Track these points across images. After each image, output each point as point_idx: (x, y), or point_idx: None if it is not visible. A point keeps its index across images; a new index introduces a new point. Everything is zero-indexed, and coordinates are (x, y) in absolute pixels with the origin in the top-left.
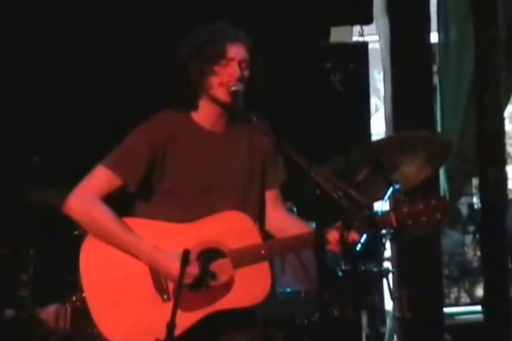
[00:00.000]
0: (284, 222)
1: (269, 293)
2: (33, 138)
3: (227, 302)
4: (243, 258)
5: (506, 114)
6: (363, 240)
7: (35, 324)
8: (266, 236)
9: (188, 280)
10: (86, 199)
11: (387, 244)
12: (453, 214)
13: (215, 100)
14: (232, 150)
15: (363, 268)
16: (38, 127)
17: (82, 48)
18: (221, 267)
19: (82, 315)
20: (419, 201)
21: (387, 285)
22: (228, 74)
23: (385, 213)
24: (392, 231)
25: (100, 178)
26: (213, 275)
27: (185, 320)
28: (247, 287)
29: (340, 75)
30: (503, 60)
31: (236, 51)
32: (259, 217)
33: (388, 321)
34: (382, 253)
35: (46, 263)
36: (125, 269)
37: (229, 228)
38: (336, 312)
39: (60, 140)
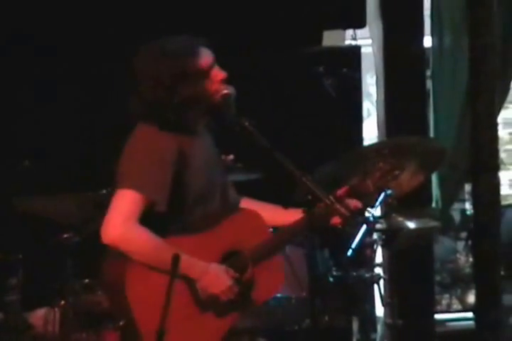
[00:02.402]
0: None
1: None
2: (21, 144)
3: (256, 298)
4: (260, 255)
5: (500, 119)
6: (354, 246)
7: (24, 328)
8: None
9: (230, 296)
10: (126, 226)
11: (379, 250)
12: (444, 220)
13: (211, 107)
14: (213, 150)
15: (354, 274)
16: (26, 132)
17: (72, 51)
18: (243, 267)
19: (71, 319)
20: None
21: (378, 291)
22: (217, 79)
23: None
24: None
25: (132, 203)
26: (248, 286)
27: (222, 325)
28: (267, 281)
29: (333, 79)
30: (498, 66)
31: (205, 59)
32: None
33: (379, 328)
34: (374, 259)
35: (35, 268)
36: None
37: (244, 227)
38: (326, 318)
39: (50, 145)
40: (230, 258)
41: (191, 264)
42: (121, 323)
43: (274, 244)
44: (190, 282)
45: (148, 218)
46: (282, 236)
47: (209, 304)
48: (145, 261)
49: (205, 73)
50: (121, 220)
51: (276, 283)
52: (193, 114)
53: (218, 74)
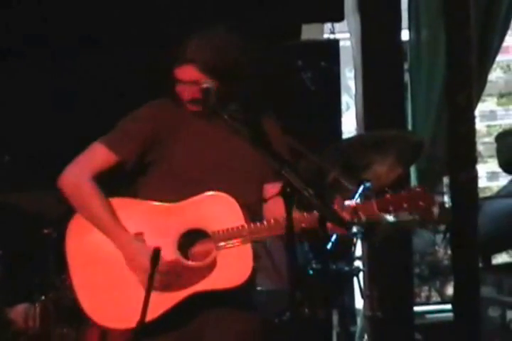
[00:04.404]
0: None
1: (251, 275)
2: (1, 139)
3: (209, 283)
4: (226, 239)
5: (477, 113)
6: (334, 239)
7: (4, 324)
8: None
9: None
10: (80, 175)
11: (358, 243)
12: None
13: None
14: (227, 138)
15: (334, 267)
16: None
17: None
18: (204, 248)
19: (52, 315)
20: (402, 189)
21: (357, 284)
22: (181, 93)
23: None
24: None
25: (96, 155)
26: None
27: (166, 301)
28: (229, 268)
29: (311, 73)
30: (474, 59)
31: (183, 73)
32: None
33: (359, 320)
34: (353, 252)
35: (15, 263)
36: (108, 250)
37: (214, 209)
38: (306, 311)
39: (30, 141)
40: (192, 235)
41: (112, 227)
42: (43, 298)
43: (245, 234)
44: None
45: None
46: (257, 228)
47: (139, 279)
48: (82, 213)
49: (176, 80)
50: (79, 168)
51: (240, 274)
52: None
53: (182, 92)
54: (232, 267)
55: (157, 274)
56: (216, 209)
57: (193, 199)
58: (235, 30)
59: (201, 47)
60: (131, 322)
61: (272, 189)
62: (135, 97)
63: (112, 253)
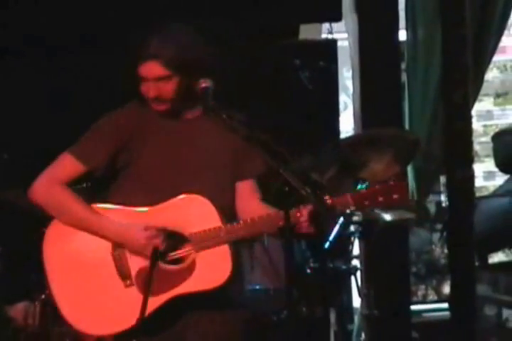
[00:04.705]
0: (260, 211)
1: (231, 276)
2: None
3: (189, 285)
4: (204, 241)
5: (473, 112)
6: (331, 238)
7: (5, 322)
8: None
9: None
10: (51, 184)
11: (356, 242)
12: (421, 211)
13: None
14: (197, 137)
15: (331, 265)
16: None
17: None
18: (183, 251)
19: (51, 312)
20: (377, 183)
21: (355, 282)
22: (145, 92)
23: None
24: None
25: (65, 165)
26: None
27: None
28: (209, 270)
29: (309, 72)
30: (471, 59)
31: (147, 70)
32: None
33: (356, 318)
34: (351, 251)
35: (14, 262)
36: (88, 256)
37: (190, 212)
38: (304, 309)
39: (28, 139)
40: (170, 239)
41: (104, 225)
42: (42, 296)
43: (222, 235)
44: (115, 254)
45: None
46: (234, 229)
47: (135, 279)
48: (64, 218)
49: (140, 78)
50: (48, 178)
51: (220, 275)
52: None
53: (147, 90)
54: (211, 268)
55: (134, 280)
56: (192, 212)
57: (168, 203)
58: (196, 28)
59: (164, 43)
60: (117, 326)
61: (243, 188)
62: (134, 97)
63: (93, 259)
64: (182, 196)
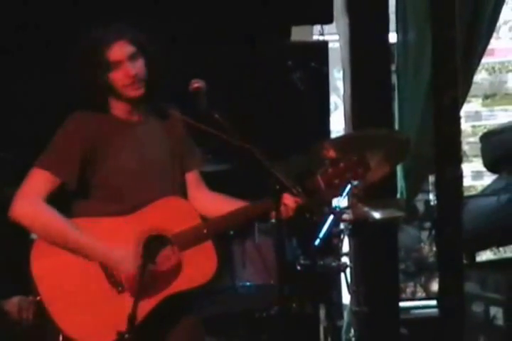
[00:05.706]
0: (213, 200)
1: (217, 271)
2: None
3: (179, 284)
4: (187, 240)
5: (462, 113)
6: (322, 235)
7: (0, 316)
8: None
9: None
10: (31, 203)
11: (346, 240)
12: (409, 210)
13: (126, 98)
14: (152, 138)
15: (322, 262)
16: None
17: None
18: (168, 252)
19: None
20: (340, 161)
21: (345, 279)
22: (124, 75)
23: (312, 177)
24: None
25: (39, 181)
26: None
27: (141, 308)
28: (195, 267)
29: (301, 73)
30: (460, 61)
31: (118, 51)
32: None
33: (345, 315)
34: (341, 248)
35: (9, 256)
36: (78, 269)
37: (169, 213)
38: (294, 305)
39: (24, 137)
40: (153, 242)
41: (87, 244)
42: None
43: (204, 231)
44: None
45: (65, 197)
46: (215, 223)
47: (126, 285)
48: (49, 238)
49: (111, 64)
50: (26, 196)
51: (207, 271)
52: (116, 102)
53: (129, 71)
54: (198, 265)
55: (125, 285)
56: (170, 213)
57: (147, 209)
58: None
59: (125, 27)
60: (111, 334)
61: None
62: None
63: (82, 269)
64: (160, 199)
